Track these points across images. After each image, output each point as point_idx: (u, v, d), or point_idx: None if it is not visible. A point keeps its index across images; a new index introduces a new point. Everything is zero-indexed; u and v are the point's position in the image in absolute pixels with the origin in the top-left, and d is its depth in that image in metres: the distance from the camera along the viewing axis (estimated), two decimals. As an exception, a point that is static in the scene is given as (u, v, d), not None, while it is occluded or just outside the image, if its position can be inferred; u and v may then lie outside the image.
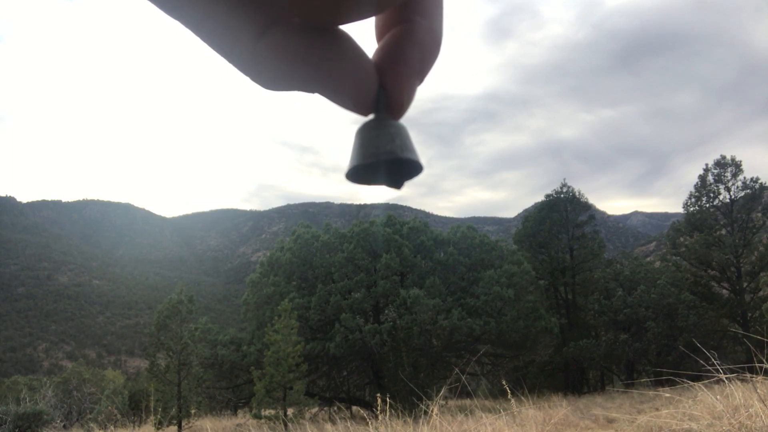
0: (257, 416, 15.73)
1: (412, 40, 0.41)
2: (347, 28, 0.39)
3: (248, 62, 0.37)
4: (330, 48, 0.38)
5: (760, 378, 4.50)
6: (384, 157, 0.41)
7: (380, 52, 0.42)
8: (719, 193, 28.98)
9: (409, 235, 25.37)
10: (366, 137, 0.42)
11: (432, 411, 5.51)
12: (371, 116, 0.42)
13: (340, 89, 0.39)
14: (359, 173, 0.43)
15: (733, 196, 28.66)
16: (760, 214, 28.17)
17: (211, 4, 0.35)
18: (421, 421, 5.78)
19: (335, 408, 19.11)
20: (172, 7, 0.35)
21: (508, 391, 6.10)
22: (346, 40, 0.39)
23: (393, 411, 6.20)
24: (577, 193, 31.11)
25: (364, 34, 0.43)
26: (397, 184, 0.44)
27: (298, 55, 0.37)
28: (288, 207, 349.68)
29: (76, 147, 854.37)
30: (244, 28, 0.36)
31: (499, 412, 6.48)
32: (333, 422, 9.99)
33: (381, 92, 0.41)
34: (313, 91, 0.40)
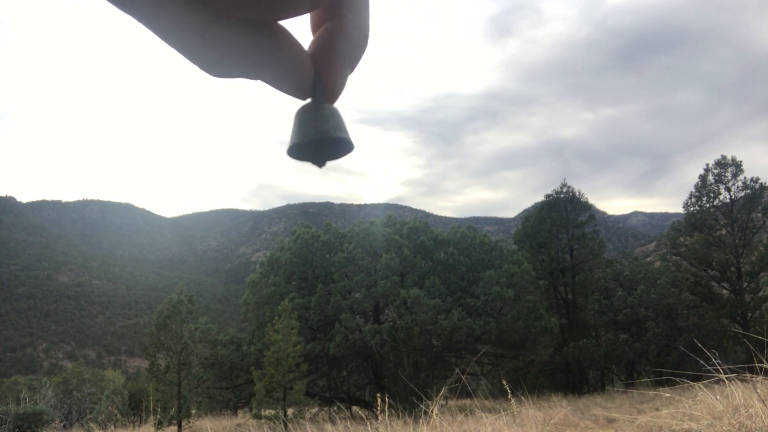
0: (257, 416, 15.70)
1: (342, 33, 0.48)
2: (285, 23, 0.45)
3: (197, 54, 0.43)
4: (268, 41, 0.43)
5: (760, 378, 4.50)
6: (319, 136, 0.47)
7: (315, 44, 0.48)
8: (719, 193, 29.00)
9: (409, 235, 25.35)
10: (304, 119, 0.48)
11: (432, 411, 5.51)
12: (309, 100, 0.48)
13: (279, 77, 0.45)
14: (298, 150, 0.49)
15: (733, 196, 28.68)
16: (760, 214, 28.19)
17: (161, 3, 0.40)
18: (421, 421, 5.77)
19: (335, 408, 19.13)
20: (126, 5, 0.41)
21: (508, 391, 6.09)
22: (283, 34, 0.45)
23: (393, 411, 6.19)
24: (577, 193, 31.10)
25: (300, 27, 0.49)
26: (321, 162, 0.50)
27: (240, 48, 0.43)
28: (288, 207, 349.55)
29: (76, 147, 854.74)
30: (191, 24, 0.41)
31: (499, 412, 6.48)
32: (333, 422, 9.99)
33: (317, 79, 0.47)
34: (256, 79, 0.45)
